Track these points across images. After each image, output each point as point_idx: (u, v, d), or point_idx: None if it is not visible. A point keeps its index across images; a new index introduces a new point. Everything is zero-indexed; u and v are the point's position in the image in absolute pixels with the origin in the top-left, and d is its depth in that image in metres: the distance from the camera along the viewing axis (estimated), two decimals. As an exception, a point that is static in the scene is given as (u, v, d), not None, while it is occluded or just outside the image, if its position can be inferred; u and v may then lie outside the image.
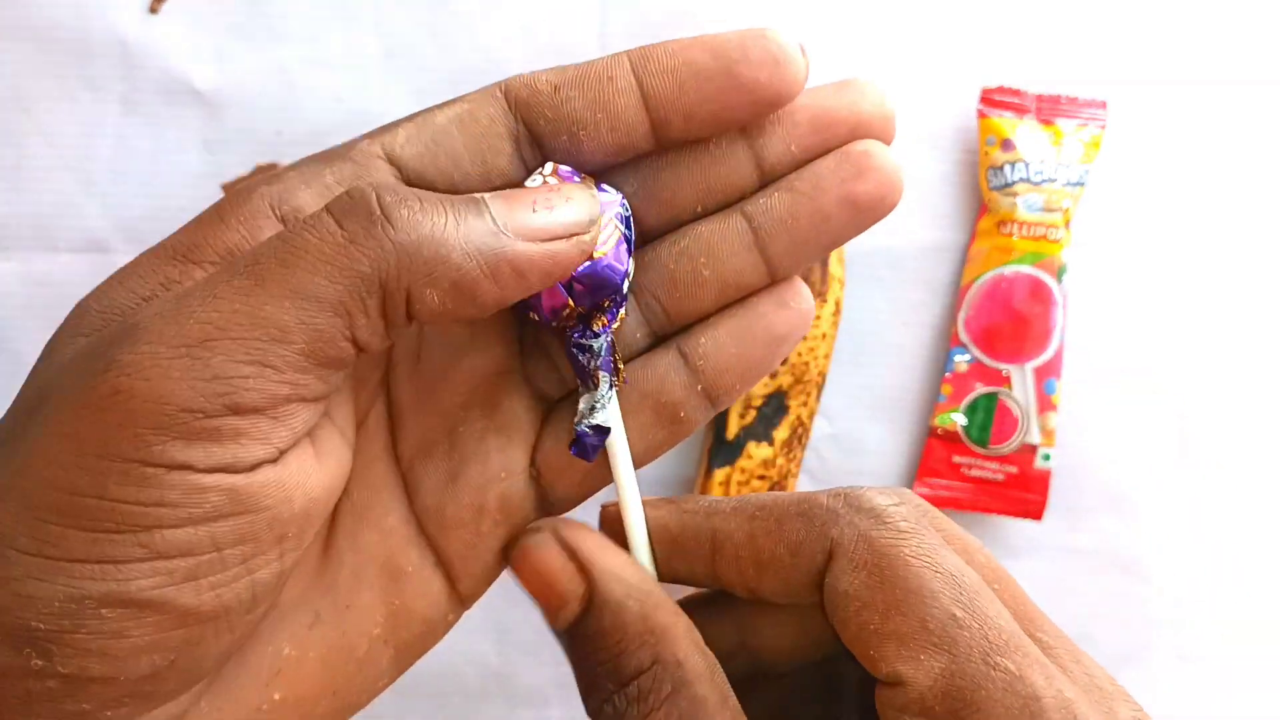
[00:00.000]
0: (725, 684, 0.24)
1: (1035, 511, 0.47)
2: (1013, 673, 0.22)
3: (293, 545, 0.23)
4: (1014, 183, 0.47)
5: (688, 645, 0.24)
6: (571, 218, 0.23)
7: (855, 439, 0.48)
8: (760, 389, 0.46)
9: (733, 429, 0.46)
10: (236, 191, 0.24)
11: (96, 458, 0.20)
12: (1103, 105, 0.48)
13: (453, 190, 0.24)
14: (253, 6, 0.48)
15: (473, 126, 0.24)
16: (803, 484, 0.48)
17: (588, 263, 0.24)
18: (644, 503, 0.27)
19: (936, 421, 0.48)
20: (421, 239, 0.21)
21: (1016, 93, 0.48)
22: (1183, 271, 0.49)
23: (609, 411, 0.26)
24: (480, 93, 0.25)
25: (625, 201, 0.25)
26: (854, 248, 0.47)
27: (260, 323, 0.21)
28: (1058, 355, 0.48)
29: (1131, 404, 0.49)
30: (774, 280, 0.27)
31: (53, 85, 0.47)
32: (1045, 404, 0.47)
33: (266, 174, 0.25)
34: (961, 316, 0.48)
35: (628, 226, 0.25)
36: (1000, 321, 0.48)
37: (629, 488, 0.26)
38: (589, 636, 0.24)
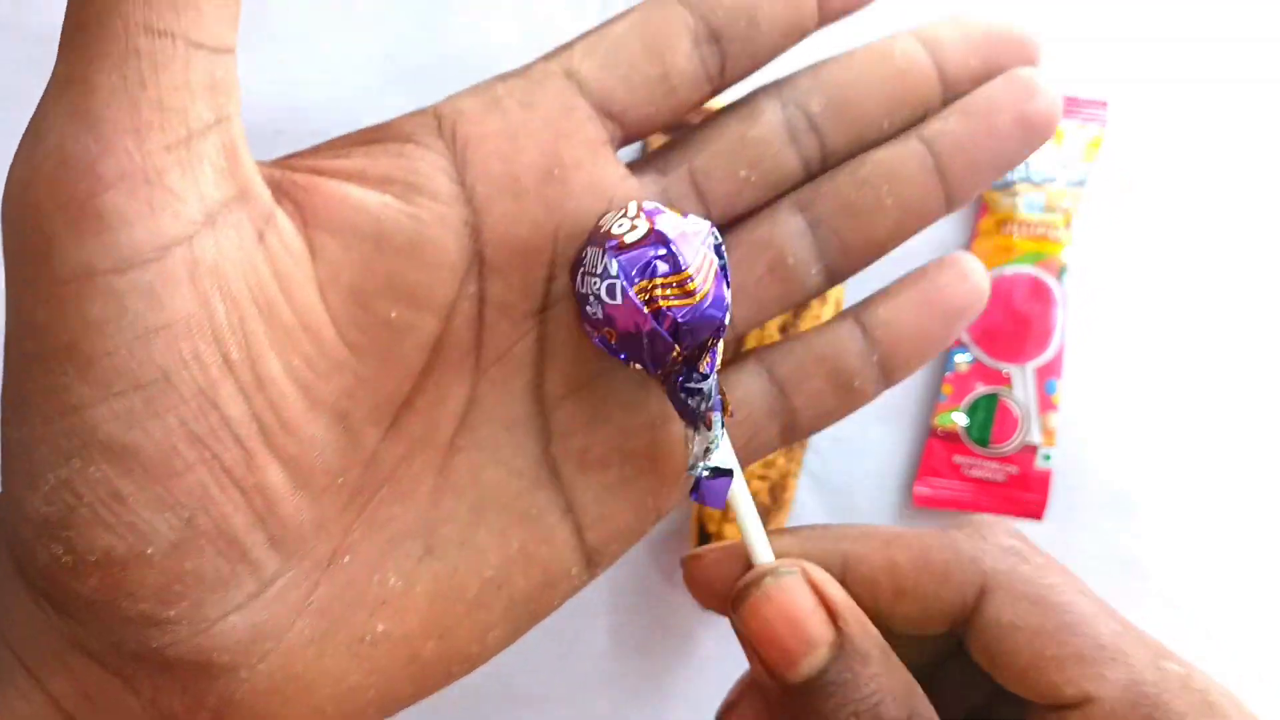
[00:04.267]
0: None
1: (1035, 511, 0.47)
2: (1181, 672, 0.23)
3: None
4: (1014, 182, 0.47)
5: (929, 703, 0.23)
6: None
7: (856, 439, 0.48)
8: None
9: (733, 429, 0.46)
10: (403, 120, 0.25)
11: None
12: (1103, 105, 0.48)
13: (631, 94, 0.25)
14: (252, 6, 0.48)
15: (648, 28, 0.24)
16: (803, 484, 0.48)
17: (689, 306, 0.23)
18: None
19: (937, 421, 0.48)
20: None
21: (1017, 92, 0.48)
22: (1183, 271, 0.49)
23: (724, 451, 0.24)
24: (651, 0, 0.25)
25: (715, 229, 0.24)
26: (854, 248, 0.47)
27: None
28: (1058, 355, 0.48)
29: (1131, 404, 0.49)
30: (950, 206, 0.27)
31: (52, 85, 0.47)
32: (1046, 404, 0.47)
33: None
34: (962, 316, 0.48)
35: (720, 255, 0.24)
36: (1001, 321, 0.48)
37: (756, 531, 0.25)
38: (837, 685, 0.23)
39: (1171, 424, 0.49)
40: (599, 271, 0.23)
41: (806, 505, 0.48)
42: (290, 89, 0.48)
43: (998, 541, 0.25)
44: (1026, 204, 0.47)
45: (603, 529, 0.26)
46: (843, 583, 0.25)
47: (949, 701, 0.27)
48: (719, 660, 0.50)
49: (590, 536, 0.26)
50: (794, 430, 0.28)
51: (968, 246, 0.49)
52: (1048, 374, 0.48)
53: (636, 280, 0.23)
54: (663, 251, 0.23)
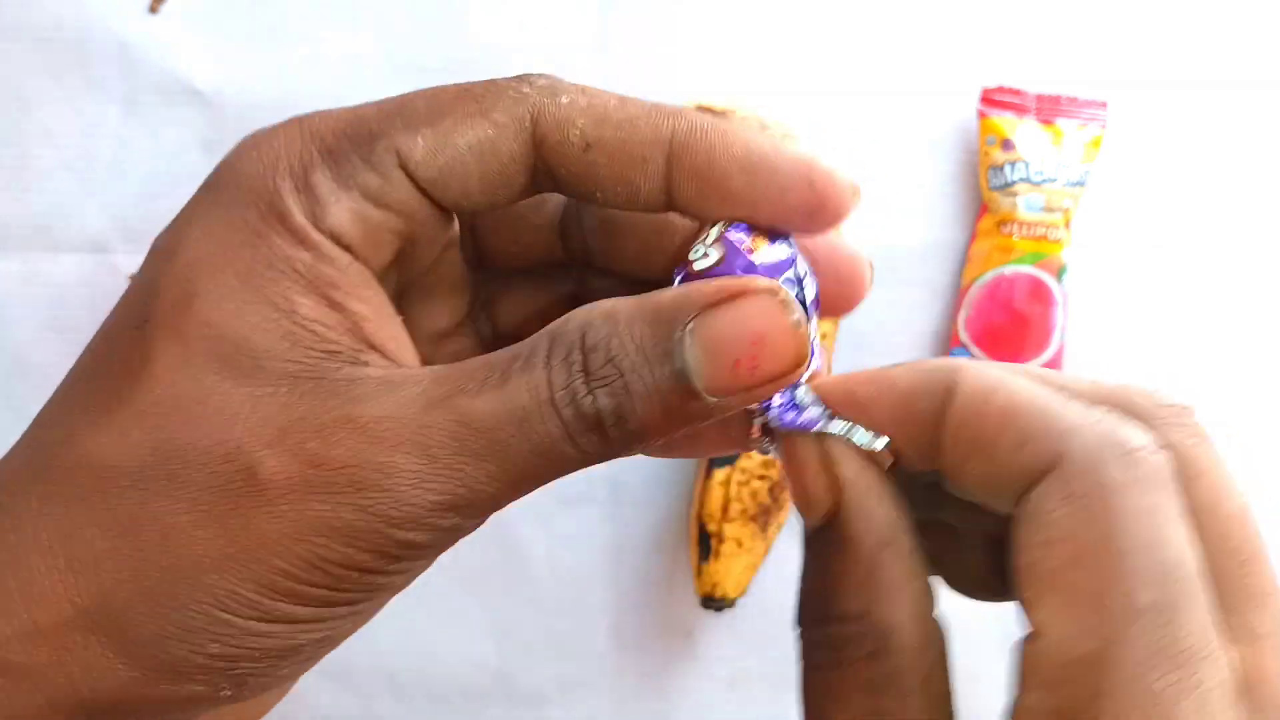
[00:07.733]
0: (938, 666, 0.21)
1: (1035, 511, 0.47)
2: (1166, 694, 0.18)
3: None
4: (1014, 183, 0.47)
5: (907, 612, 0.20)
6: (776, 370, 0.21)
7: (855, 439, 0.48)
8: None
9: (733, 429, 0.46)
10: (257, 186, 0.23)
11: (335, 564, 0.20)
12: (1103, 105, 0.48)
13: (457, 207, 0.24)
14: (253, 6, 0.48)
15: (492, 161, 0.23)
16: (803, 484, 0.48)
17: None
18: (861, 374, 0.23)
19: (937, 421, 0.48)
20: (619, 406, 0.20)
21: (1016, 93, 0.48)
22: (1183, 271, 0.49)
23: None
24: (507, 113, 0.23)
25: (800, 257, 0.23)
26: (854, 248, 0.47)
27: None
28: (1058, 355, 0.48)
29: (1132, 404, 0.49)
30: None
31: (53, 85, 0.47)
32: (1045, 404, 0.47)
33: (261, 137, 0.24)
34: (962, 316, 0.48)
35: (802, 287, 0.23)
36: (1001, 321, 0.48)
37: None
38: (817, 556, 0.21)
39: (1171, 424, 0.49)
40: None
41: (806, 505, 0.48)
42: (291, 89, 0.48)
43: (1115, 436, 0.21)
44: (1026, 204, 0.47)
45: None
46: (943, 411, 0.21)
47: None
48: (719, 660, 0.50)
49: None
50: None
51: (967, 246, 0.49)
52: (1048, 374, 0.48)
53: None
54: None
